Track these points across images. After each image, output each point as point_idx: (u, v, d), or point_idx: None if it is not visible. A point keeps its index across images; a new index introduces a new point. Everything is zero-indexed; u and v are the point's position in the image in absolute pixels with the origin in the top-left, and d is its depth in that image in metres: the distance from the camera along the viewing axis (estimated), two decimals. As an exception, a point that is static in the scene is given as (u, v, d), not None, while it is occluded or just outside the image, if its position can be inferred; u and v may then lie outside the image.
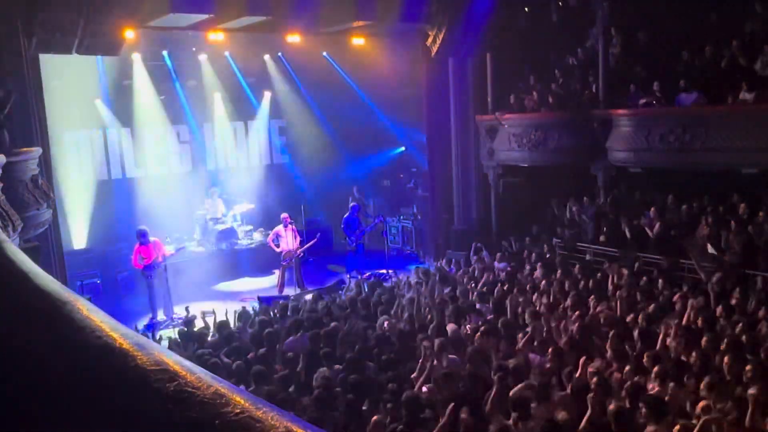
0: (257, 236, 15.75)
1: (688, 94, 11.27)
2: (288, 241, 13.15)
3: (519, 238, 13.20)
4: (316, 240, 13.82)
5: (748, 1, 11.46)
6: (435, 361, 6.60)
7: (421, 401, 5.80)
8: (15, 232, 6.74)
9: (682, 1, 12.20)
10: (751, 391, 5.08)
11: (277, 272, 13.57)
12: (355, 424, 5.69)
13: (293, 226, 13.38)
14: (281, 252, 13.15)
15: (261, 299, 11.76)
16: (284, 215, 13.40)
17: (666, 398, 5.23)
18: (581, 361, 6.12)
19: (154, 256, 11.70)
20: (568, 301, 8.50)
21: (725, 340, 6.33)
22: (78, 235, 14.33)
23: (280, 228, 13.28)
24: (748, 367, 5.37)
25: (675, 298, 8.34)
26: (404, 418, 5.44)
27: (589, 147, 12.66)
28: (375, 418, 5.49)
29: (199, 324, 9.46)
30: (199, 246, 15.35)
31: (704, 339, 6.45)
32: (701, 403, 4.86)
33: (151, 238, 11.85)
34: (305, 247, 13.49)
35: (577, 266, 10.64)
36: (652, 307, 8.04)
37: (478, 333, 7.57)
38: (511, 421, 5.13)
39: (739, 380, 5.45)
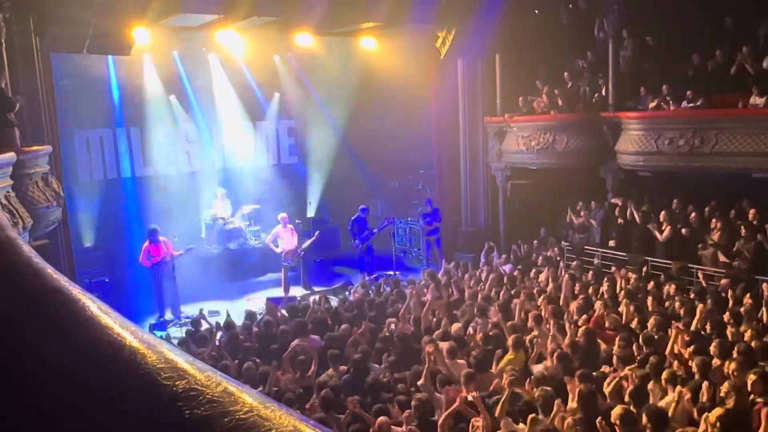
0: (265, 236, 15.79)
1: (694, 105, 11.21)
2: (287, 241, 13.22)
3: (527, 241, 13.19)
4: (315, 238, 13.85)
5: (764, 4, 11.37)
6: (440, 366, 6.60)
7: (432, 404, 5.80)
8: (25, 230, 6.79)
9: (695, 4, 12.13)
10: (760, 399, 5.04)
11: (280, 274, 13.62)
12: (360, 426, 5.70)
13: (292, 226, 13.47)
14: (282, 252, 13.20)
15: (269, 300, 11.79)
16: (282, 215, 13.49)
17: (672, 405, 5.20)
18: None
19: (163, 255, 11.79)
20: (575, 306, 8.48)
21: (735, 347, 6.29)
22: (87, 233, 14.42)
23: (279, 228, 13.35)
24: (751, 377, 5.29)
25: (682, 303, 8.31)
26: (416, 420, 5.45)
27: (598, 150, 12.63)
28: (380, 419, 5.50)
29: (205, 324, 9.51)
30: (207, 246, 15.40)
31: (713, 345, 6.41)
32: (715, 412, 4.80)
33: (161, 237, 11.94)
34: (306, 245, 13.52)
35: (590, 272, 10.62)
36: (660, 312, 8.02)
37: (483, 336, 7.58)
38: (520, 426, 5.13)
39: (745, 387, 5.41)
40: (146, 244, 11.85)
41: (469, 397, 5.49)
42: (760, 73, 10.71)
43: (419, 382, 6.44)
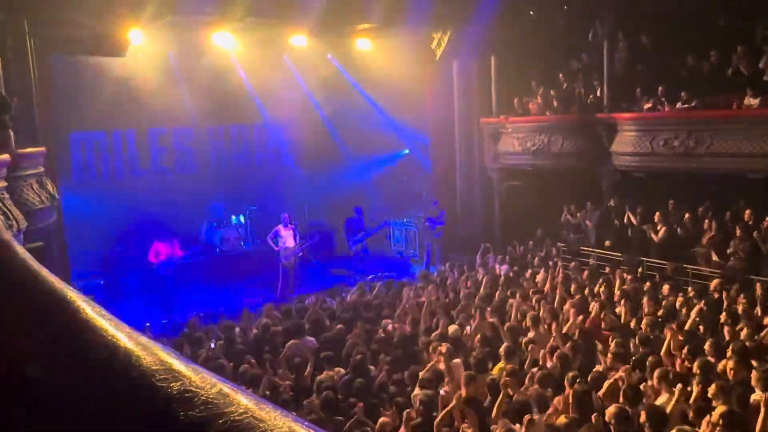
0: (261, 237, 15.76)
1: (689, 106, 11.25)
2: (287, 239, 13.28)
3: (522, 242, 13.19)
4: (310, 243, 13.96)
5: (757, 7, 11.42)
6: (444, 365, 6.59)
7: (436, 401, 5.81)
8: (19, 232, 6.76)
9: (689, 5, 12.18)
10: (758, 397, 5.07)
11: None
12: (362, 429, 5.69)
13: (293, 226, 13.50)
14: (280, 250, 13.24)
15: (265, 302, 11.77)
16: (285, 214, 13.53)
17: (671, 404, 5.22)
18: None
19: (170, 254, 11.92)
20: (571, 306, 8.49)
21: (730, 346, 6.31)
22: (82, 235, 14.35)
23: (280, 227, 13.40)
24: (754, 374, 5.35)
25: (678, 303, 8.33)
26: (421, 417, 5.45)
27: (594, 151, 12.63)
28: (381, 419, 5.50)
29: (202, 325, 9.49)
30: (205, 247, 15.39)
31: (707, 345, 6.44)
32: (719, 410, 4.80)
33: (169, 239, 12.14)
34: (302, 248, 13.60)
35: (585, 272, 10.63)
36: (655, 312, 8.04)
37: (479, 337, 7.58)
38: (516, 426, 5.13)
39: (744, 386, 5.43)
40: (156, 242, 11.98)
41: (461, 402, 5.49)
42: (754, 74, 10.75)
43: (440, 385, 6.39)
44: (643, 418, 4.87)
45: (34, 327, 1.23)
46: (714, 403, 5.11)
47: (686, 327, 7.25)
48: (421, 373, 6.58)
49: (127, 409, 1.03)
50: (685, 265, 10.30)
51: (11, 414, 1.08)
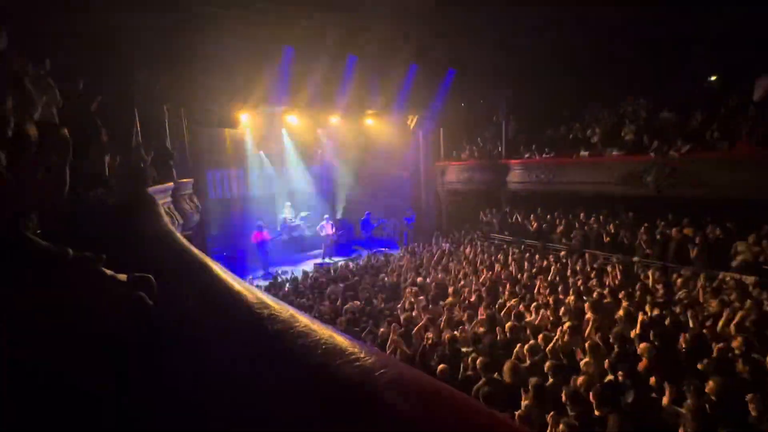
0: (313, 229, 15.71)
1: (549, 156, 11.27)
2: (328, 230, 13.35)
3: (458, 231, 13.21)
4: (340, 232, 14.05)
5: (587, 99, 11.54)
6: (414, 299, 6.57)
7: (413, 322, 5.79)
8: (179, 226, 6.72)
9: (550, 96, 12.25)
10: (588, 316, 5.09)
11: (321, 250, 13.68)
12: (370, 337, 5.67)
13: (331, 222, 13.58)
14: (324, 236, 13.32)
15: (315, 265, 11.74)
16: (326, 215, 13.62)
17: (537, 322, 5.23)
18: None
19: (263, 237, 11.97)
20: (484, 266, 8.47)
21: (572, 289, 6.32)
22: (214, 227, 14.24)
23: (324, 222, 13.49)
24: (586, 305, 5.36)
25: (544, 264, 8.34)
26: (401, 330, 5.42)
27: (497, 181, 12.67)
28: (381, 330, 5.48)
29: (280, 278, 9.43)
30: (282, 234, 15.32)
31: (559, 288, 6.45)
32: (566, 324, 4.79)
33: (263, 228, 12.16)
34: (336, 235, 13.70)
35: (492, 248, 10.63)
36: (531, 269, 8.04)
37: (434, 284, 7.56)
38: (456, 332, 5.13)
39: (580, 310, 5.44)
40: (255, 231, 12.00)
41: (425, 320, 5.47)
42: (585, 138, 10.83)
43: (413, 311, 6.36)
44: (528, 331, 4.88)
45: (187, 279, 1.23)
46: (563, 320, 5.13)
47: (549, 278, 7.26)
48: (399, 305, 6.57)
49: (239, 326, 1.03)
50: (547, 243, 10.31)
51: (178, 333, 1.07)
